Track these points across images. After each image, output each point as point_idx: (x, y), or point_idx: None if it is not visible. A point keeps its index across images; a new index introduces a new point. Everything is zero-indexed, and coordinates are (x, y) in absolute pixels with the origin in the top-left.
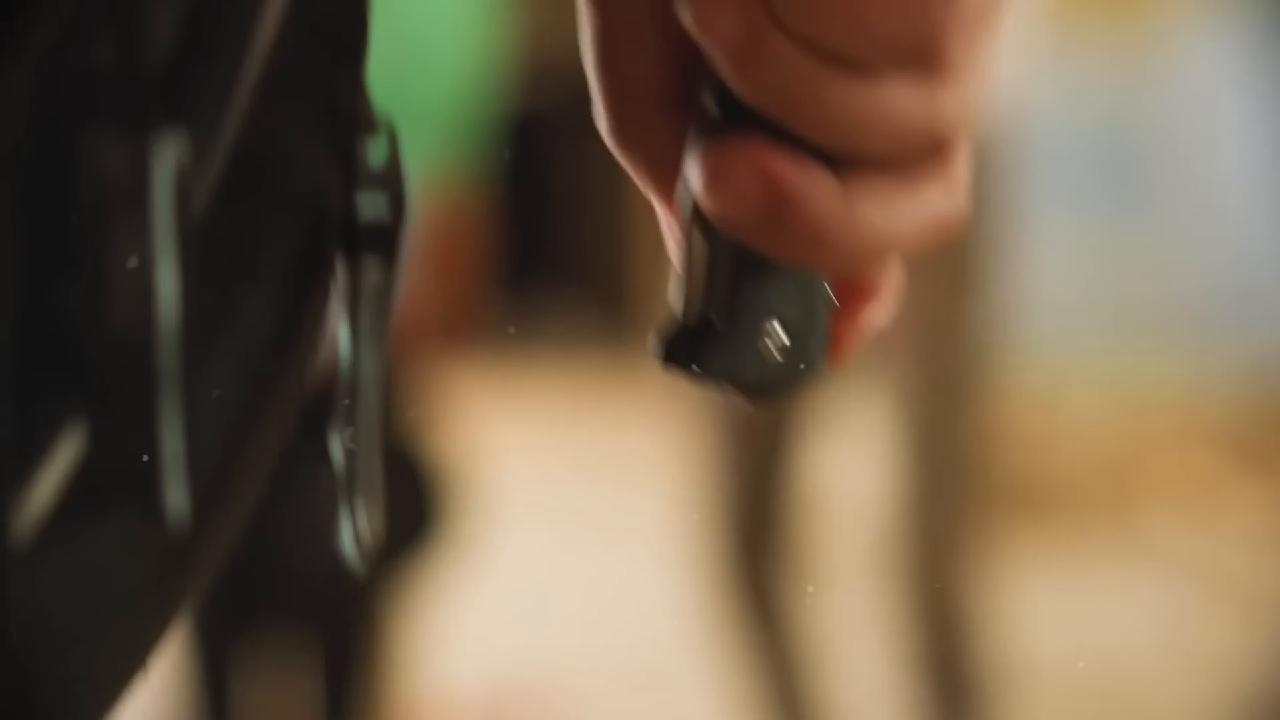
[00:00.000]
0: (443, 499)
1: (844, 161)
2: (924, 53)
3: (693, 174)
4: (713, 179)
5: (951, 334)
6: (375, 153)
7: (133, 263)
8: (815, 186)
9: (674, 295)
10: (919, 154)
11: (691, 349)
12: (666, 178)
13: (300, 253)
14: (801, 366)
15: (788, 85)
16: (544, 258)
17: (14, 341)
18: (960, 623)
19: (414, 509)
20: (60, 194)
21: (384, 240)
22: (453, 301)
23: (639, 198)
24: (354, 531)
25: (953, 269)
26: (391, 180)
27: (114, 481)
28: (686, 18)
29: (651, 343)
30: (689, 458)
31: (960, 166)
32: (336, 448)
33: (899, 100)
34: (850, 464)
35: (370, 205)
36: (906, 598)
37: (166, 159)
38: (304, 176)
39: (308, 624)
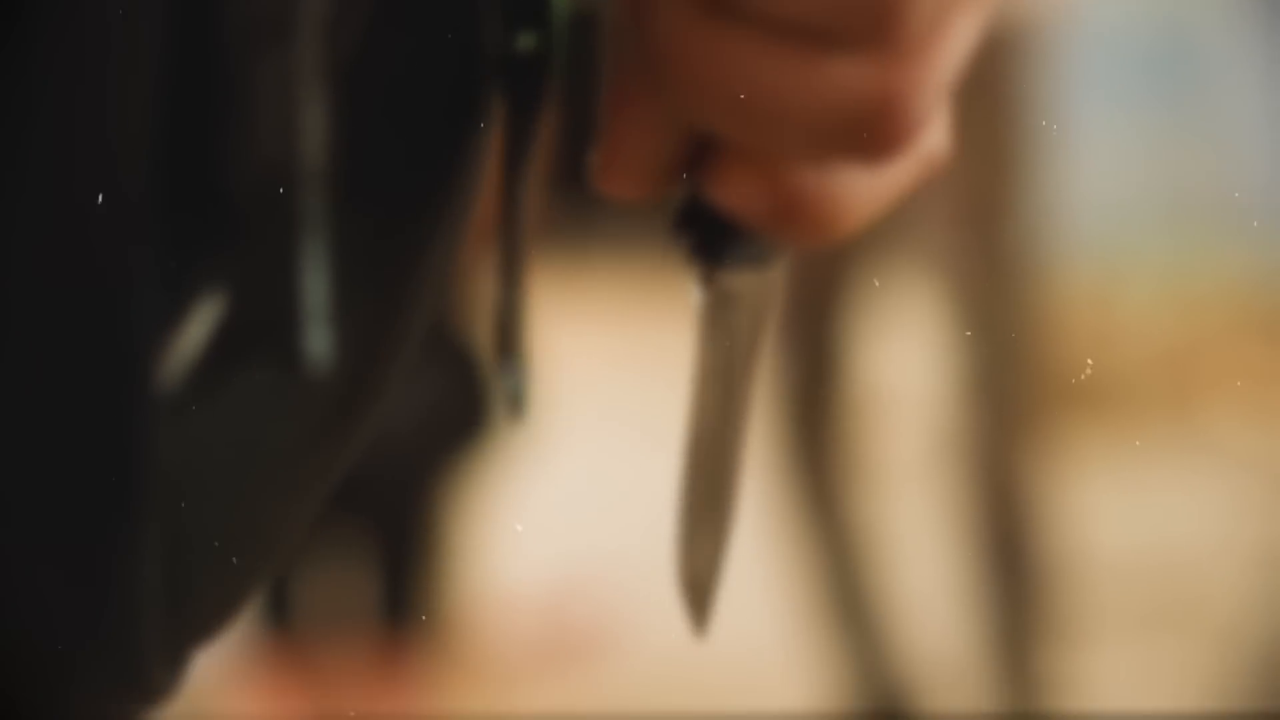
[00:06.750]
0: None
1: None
2: (880, 24)
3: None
4: (719, 185)
5: (1002, 227)
6: None
7: (279, 102)
8: (815, 184)
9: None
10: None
11: (700, 234)
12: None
13: (451, 94)
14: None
15: (728, 72)
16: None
17: (157, 184)
18: (1020, 516)
19: (469, 404)
20: (206, 30)
21: (536, 75)
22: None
23: None
24: (511, 383)
25: (1002, 162)
26: (540, 13)
27: (259, 329)
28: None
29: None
30: None
31: (930, 137)
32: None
33: (851, 79)
34: (905, 359)
35: (523, 40)
36: (966, 492)
37: None
38: (452, 14)
39: (367, 519)
